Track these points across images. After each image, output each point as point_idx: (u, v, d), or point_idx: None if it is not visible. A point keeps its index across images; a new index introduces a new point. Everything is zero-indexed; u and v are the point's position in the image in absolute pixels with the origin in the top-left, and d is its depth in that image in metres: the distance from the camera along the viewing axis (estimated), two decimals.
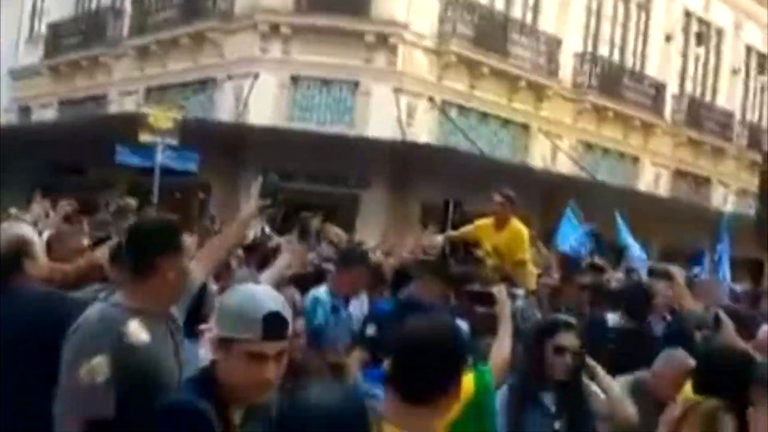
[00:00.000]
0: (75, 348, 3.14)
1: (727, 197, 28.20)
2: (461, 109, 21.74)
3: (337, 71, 20.16)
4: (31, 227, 5.38)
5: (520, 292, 6.76)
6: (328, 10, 19.82)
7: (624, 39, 25.96)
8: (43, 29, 28.22)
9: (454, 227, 10.63)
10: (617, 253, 11.81)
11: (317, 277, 6.98)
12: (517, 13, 22.78)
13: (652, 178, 26.47)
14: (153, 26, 23.32)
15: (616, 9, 25.74)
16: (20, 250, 4.04)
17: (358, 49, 20.08)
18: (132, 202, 5.60)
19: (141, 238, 3.40)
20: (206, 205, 18.59)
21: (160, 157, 15.50)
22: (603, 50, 25.13)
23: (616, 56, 25.70)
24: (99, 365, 3.06)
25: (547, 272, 8.51)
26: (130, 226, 3.69)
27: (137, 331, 3.17)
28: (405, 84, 20.27)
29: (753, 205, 21.69)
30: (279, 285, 4.91)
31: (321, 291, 6.26)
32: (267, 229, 9.24)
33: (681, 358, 4.54)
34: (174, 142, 15.76)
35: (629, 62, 26.09)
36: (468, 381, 3.28)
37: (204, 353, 3.88)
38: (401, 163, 19.20)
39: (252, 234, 8.63)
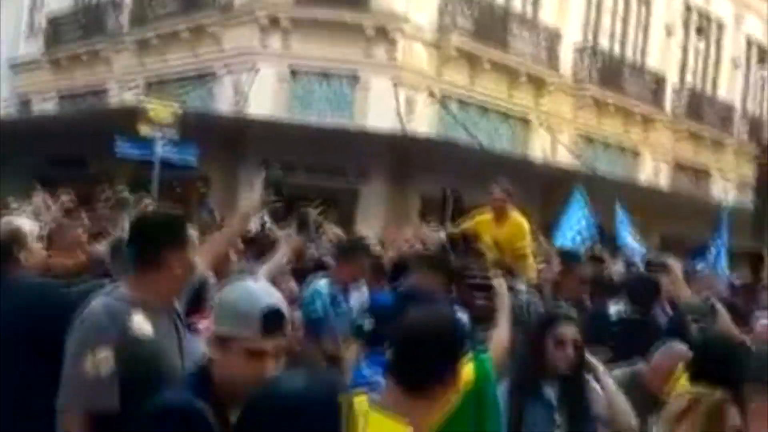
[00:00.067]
0: (80, 340, 3.13)
1: (727, 190, 28.20)
2: (461, 102, 21.72)
3: (336, 64, 20.14)
4: (33, 219, 5.41)
5: (522, 286, 6.75)
6: (327, 3, 19.81)
7: (624, 32, 25.93)
8: (44, 22, 28.17)
9: (453, 219, 10.62)
10: (614, 245, 11.79)
11: (317, 270, 6.98)
12: (517, 6, 22.73)
13: (652, 172, 26.46)
14: (153, 19, 23.30)
15: (617, 2, 25.71)
16: (14, 241, 4.05)
17: (358, 42, 20.05)
18: (128, 194, 5.59)
19: (148, 231, 3.39)
20: (206, 198, 18.57)
21: (160, 150, 15.50)
22: (603, 43, 25.10)
23: (616, 49, 25.66)
24: (104, 358, 3.07)
25: (548, 265, 8.50)
26: (136, 219, 3.68)
27: (142, 324, 3.17)
28: (404, 77, 20.25)
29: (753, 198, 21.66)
30: (276, 278, 4.92)
31: (321, 283, 6.26)
32: (268, 222, 9.23)
33: (677, 350, 4.52)
34: (174, 135, 15.75)
35: (630, 55, 26.06)
36: (468, 370, 3.27)
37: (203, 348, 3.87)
38: (401, 156, 19.18)
39: (253, 227, 8.63)
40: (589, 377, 4.07)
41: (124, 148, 16.01)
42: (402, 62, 20.31)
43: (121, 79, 24.59)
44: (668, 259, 7.70)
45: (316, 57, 19.98)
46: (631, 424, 4.00)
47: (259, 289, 2.75)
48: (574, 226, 10.90)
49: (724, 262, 11.54)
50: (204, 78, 22.00)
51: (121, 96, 23.73)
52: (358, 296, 6.33)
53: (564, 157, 22.90)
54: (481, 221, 8.37)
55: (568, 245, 10.44)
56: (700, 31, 28.23)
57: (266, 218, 9.04)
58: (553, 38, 23.12)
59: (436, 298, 3.60)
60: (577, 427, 3.88)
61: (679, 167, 27.66)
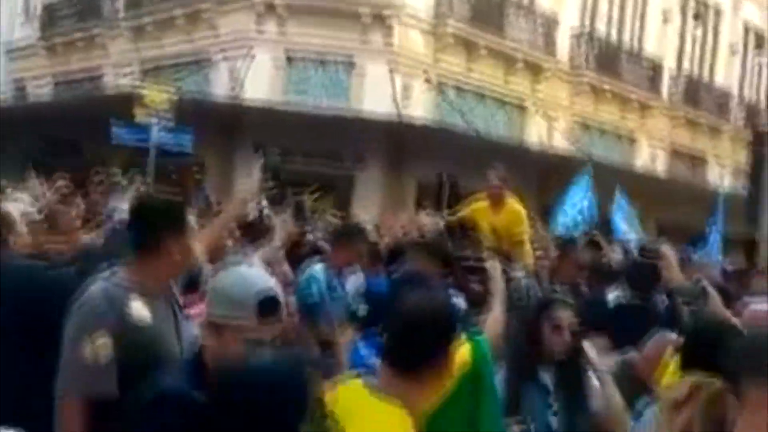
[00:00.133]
0: (78, 326, 3.13)
1: (723, 176, 28.20)
2: (457, 88, 21.69)
3: (332, 50, 20.09)
4: (30, 203, 5.42)
5: (520, 273, 6.74)
6: None
7: (621, 18, 25.85)
8: (39, 7, 28.05)
9: (449, 205, 10.61)
10: (608, 231, 11.79)
11: (313, 255, 6.97)
12: None
13: (648, 158, 26.45)
14: (148, 4, 23.23)
15: None
16: (2, 224, 4.05)
17: (354, 27, 20.00)
18: (120, 178, 5.58)
19: (147, 217, 3.38)
20: (202, 184, 18.55)
21: (156, 136, 15.46)
22: (600, 29, 25.03)
23: (613, 35, 25.60)
24: (102, 344, 3.06)
25: (545, 251, 8.49)
26: (136, 205, 3.66)
27: (140, 310, 3.16)
28: (401, 63, 20.20)
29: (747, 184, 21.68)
30: (270, 262, 4.91)
31: (316, 268, 6.26)
32: (266, 208, 9.22)
33: (667, 337, 4.51)
34: (169, 120, 15.71)
35: (627, 41, 26.00)
36: (465, 351, 3.29)
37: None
38: (397, 142, 19.16)
39: (251, 212, 8.61)
40: (588, 369, 4.04)
41: (119, 133, 15.97)
42: (398, 48, 20.26)
43: (117, 64, 24.53)
44: (662, 245, 7.70)
45: (312, 42, 19.93)
46: (624, 423, 3.97)
47: (254, 274, 2.74)
48: (576, 206, 10.89)
49: (718, 248, 11.56)
50: (200, 63, 21.94)
51: (116, 81, 23.68)
52: (354, 281, 6.33)
53: (560, 144, 22.89)
54: (478, 208, 8.35)
55: (568, 225, 10.44)
56: (697, 17, 28.17)
57: (263, 204, 9.02)
58: (549, 24, 23.07)
59: (431, 283, 3.60)
60: (572, 413, 3.87)
61: (676, 154, 27.66)
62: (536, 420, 3.76)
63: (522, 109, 23.25)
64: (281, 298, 2.68)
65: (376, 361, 2.71)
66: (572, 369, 3.97)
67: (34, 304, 3.62)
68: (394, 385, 2.52)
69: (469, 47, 21.38)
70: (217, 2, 21.16)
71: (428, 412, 2.87)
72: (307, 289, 6.06)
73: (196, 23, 21.86)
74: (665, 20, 26.66)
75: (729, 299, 5.69)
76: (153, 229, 3.28)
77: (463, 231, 7.17)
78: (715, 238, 11.56)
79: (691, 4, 28.01)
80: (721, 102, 28.64)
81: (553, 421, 3.81)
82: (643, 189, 16.43)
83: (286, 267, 6.37)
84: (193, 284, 4.30)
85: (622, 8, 25.86)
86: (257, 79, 19.56)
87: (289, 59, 20.39)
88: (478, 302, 4.53)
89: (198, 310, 3.38)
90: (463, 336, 3.34)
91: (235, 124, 19.12)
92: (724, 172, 28.65)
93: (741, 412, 2.21)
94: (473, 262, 4.60)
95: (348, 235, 6.49)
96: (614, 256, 9.50)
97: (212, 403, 2.23)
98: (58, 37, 26.74)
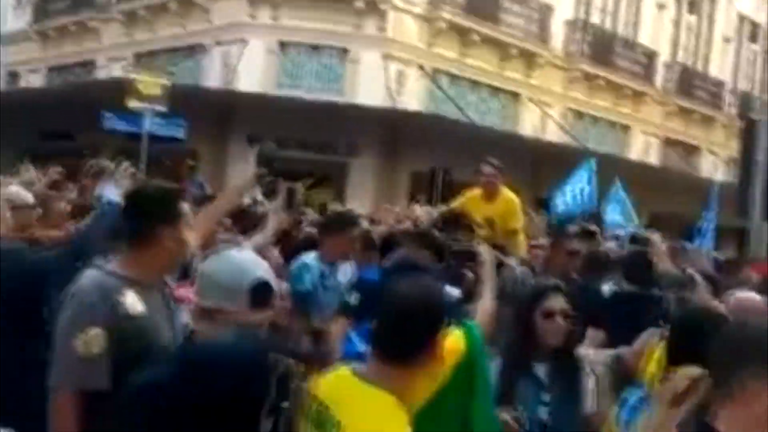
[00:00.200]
0: (70, 318, 3.09)
1: (717, 166, 28.24)
2: (451, 76, 21.64)
3: (326, 37, 20.03)
4: (25, 190, 5.42)
5: (513, 262, 6.75)
6: None
7: (616, 7, 25.83)
8: None
9: (443, 196, 10.61)
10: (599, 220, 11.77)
11: (305, 244, 6.95)
12: None
13: (642, 147, 26.46)
14: None
15: None
16: None
17: (348, 15, 19.93)
18: (110, 165, 5.53)
19: (140, 206, 3.32)
20: (195, 172, 18.51)
21: (148, 124, 15.42)
22: (595, 18, 24.99)
23: (607, 24, 25.58)
24: (95, 337, 3.02)
25: (537, 241, 8.49)
26: (130, 193, 3.62)
27: (133, 301, 3.12)
28: (395, 51, 20.16)
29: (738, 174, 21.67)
30: (262, 251, 4.88)
31: (310, 257, 6.24)
32: (260, 197, 9.19)
33: (660, 334, 4.48)
34: (162, 108, 15.67)
35: (621, 30, 25.97)
36: (459, 340, 3.29)
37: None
38: (391, 131, 19.13)
39: (245, 201, 8.58)
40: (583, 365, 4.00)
41: (111, 121, 15.92)
42: (392, 36, 20.21)
43: (110, 51, 24.42)
44: (651, 233, 7.71)
45: (305, 30, 19.86)
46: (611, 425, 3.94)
47: (246, 260, 2.71)
48: (576, 188, 10.86)
49: (711, 238, 11.56)
50: (192, 51, 21.87)
51: (109, 69, 23.60)
52: (347, 271, 6.32)
53: (554, 133, 22.88)
54: (472, 199, 8.35)
55: (566, 207, 10.42)
56: (692, 6, 28.14)
57: (258, 193, 9.00)
58: (544, 13, 23.02)
59: (423, 271, 3.57)
60: (565, 408, 3.84)
61: (670, 143, 27.67)
62: (528, 413, 3.73)
63: (516, 97, 23.23)
64: (274, 284, 2.66)
65: (368, 350, 2.70)
66: (568, 363, 3.94)
67: (12, 285, 3.60)
68: (383, 373, 2.53)
69: (463, 35, 21.33)
70: None
71: (424, 401, 2.90)
72: (299, 279, 6.04)
73: (189, 10, 21.77)
74: (660, 9, 26.62)
75: (717, 288, 5.68)
76: (146, 218, 3.23)
77: (457, 221, 7.17)
78: (708, 228, 11.55)
79: None
80: (714, 91, 28.65)
81: (545, 416, 3.77)
82: (636, 178, 16.45)
83: (276, 254, 6.35)
84: (186, 275, 4.29)
85: None
86: (250, 67, 19.50)
87: (283, 47, 20.32)
88: (472, 291, 4.51)
89: (185, 291, 3.35)
90: (456, 323, 3.35)
91: (228, 112, 19.07)
92: (717, 161, 28.69)
93: (726, 403, 2.20)
94: (463, 246, 4.56)
95: (341, 224, 6.46)
96: (610, 245, 9.50)
97: (175, 380, 2.23)
98: (51, 24, 26.65)
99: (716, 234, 11.83)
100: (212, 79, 20.43)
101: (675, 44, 27.75)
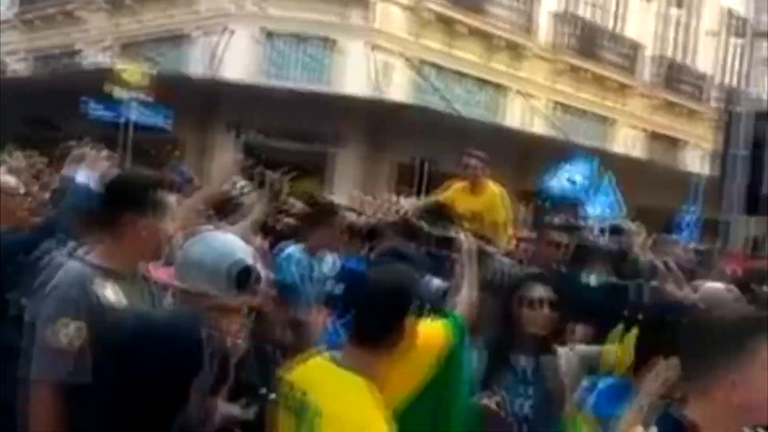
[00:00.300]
0: (50, 311, 3.05)
1: (702, 159, 28.31)
2: (437, 68, 21.61)
3: (312, 27, 19.95)
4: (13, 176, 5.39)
5: (498, 253, 6.73)
6: None
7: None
8: None
9: (427, 187, 10.58)
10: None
11: (288, 234, 6.92)
12: None
13: (627, 140, 26.50)
14: None
15: None
16: None
17: (334, 5, 19.88)
18: (89, 150, 5.46)
19: (117, 194, 3.27)
20: (179, 161, 18.43)
21: (132, 112, 15.36)
22: (581, 10, 24.99)
23: (594, 17, 25.58)
24: (75, 330, 3.00)
25: (523, 233, 8.50)
26: (107, 182, 3.56)
27: (113, 293, 3.08)
28: (381, 41, 20.10)
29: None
30: (246, 236, 4.85)
31: (294, 248, 6.22)
32: (245, 186, 9.14)
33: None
34: (146, 97, 15.61)
35: (607, 23, 25.97)
36: (442, 328, 3.31)
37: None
38: (376, 122, 19.10)
39: (231, 190, 8.53)
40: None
41: (94, 109, 15.86)
42: (378, 26, 20.16)
43: (95, 39, 24.28)
44: (631, 224, 7.73)
45: (291, 19, 19.78)
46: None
47: (229, 243, 2.67)
48: (576, 177, 10.82)
49: (693, 230, 11.62)
50: (178, 39, 21.75)
51: (94, 57, 23.46)
52: (331, 262, 6.30)
53: (540, 125, 22.89)
54: (457, 191, 8.33)
55: (602, 213, 10.41)
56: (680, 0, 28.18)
57: (242, 182, 8.94)
58: (531, 4, 23.00)
59: (409, 261, 3.55)
60: (547, 402, 3.81)
61: (655, 136, 27.73)
62: (509, 407, 3.71)
63: (502, 89, 23.21)
64: (257, 267, 2.64)
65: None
66: (550, 349, 3.92)
67: None
68: (354, 357, 2.64)
69: (449, 26, 21.30)
70: None
71: (410, 393, 3.01)
72: (284, 270, 6.02)
73: None
74: (647, 2, 26.65)
75: (692, 279, 5.70)
76: (122, 206, 3.18)
77: (441, 213, 7.16)
78: (691, 220, 11.62)
79: None
80: (699, 85, 28.71)
81: (527, 410, 3.75)
82: (621, 171, 16.46)
83: (261, 242, 6.33)
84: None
85: None
86: (235, 56, 19.42)
87: (268, 36, 20.23)
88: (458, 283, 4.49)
89: (162, 273, 3.29)
90: (440, 314, 3.39)
91: (213, 101, 18.99)
92: (702, 155, 28.77)
93: (697, 394, 2.20)
94: (443, 232, 4.52)
95: (326, 215, 6.44)
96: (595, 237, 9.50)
97: (104, 358, 2.30)
98: (36, 11, 26.46)
99: (701, 226, 11.90)
100: (197, 67, 20.32)
101: (661, 38, 27.78)
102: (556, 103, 24.46)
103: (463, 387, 3.44)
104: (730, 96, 28.68)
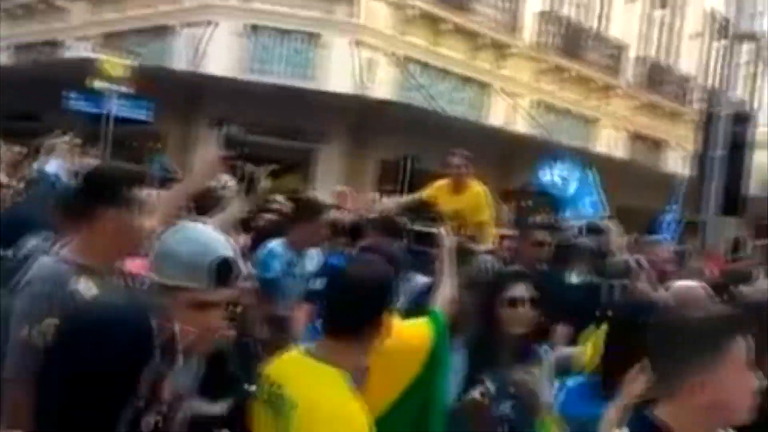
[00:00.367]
0: (25, 309, 3.00)
1: (684, 161, 28.44)
2: (422, 65, 21.61)
3: (296, 22, 19.90)
4: None
5: (481, 251, 6.73)
6: None
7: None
8: None
9: (410, 184, 10.58)
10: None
11: (270, 231, 6.90)
12: None
13: (610, 140, 26.59)
14: None
15: None
16: None
17: (319, 0, 19.82)
18: (61, 142, 5.43)
19: (89, 186, 3.21)
20: (161, 155, 18.36)
21: (113, 105, 15.29)
22: (566, 10, 25.04)
23: (578, 16, 25.63)
24: (51, 326, 2.95)
25: (507, 233, 8.51)
26: (82, 175, 3.51)
27: (89, 289, 3.02)
28: (365, 38, 20.07)
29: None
30: (224, 228, 4.82)
31: (277, 244, 6.20)
32: (230, 181, 9.09)
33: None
34: (127, 89, 15.53)
35: (591, 23, 26.04)
36: (425, 329, 3.32)
37: None
38: (360, 118, 19.07)
39: (211, 184, 8.49)
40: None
41: (76, 102, 15.76)
42: (363, 22, 20.12)
43: (78, 31, 24.12)
44: (605, 223, 7.75)
45: (275, 14, 19.72)
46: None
47: (208, 236, 2.62)
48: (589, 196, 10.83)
49: (673, 230, 11.67)
50: (161, 32, 21.64)
51: (77, 48, 23.29)
52: (314, 258, 6.29)
53: (523, 124, 22.93)
54: (440, 190, 8.33)
55: (585, 212, 10.41)
56: (663, 0, 28.27)
57: (224, 176, 8.91)
58: (515, 3, 23.03)
59: (391, 257, 3.53)
60: (526, 403, 3.78)
61: (637, 137, 27.84)
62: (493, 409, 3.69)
63: (486, 87, 23.24)
64: (237, 261, 2.61)
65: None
66: (533, 348, 3.91)
67: None
68: (328, 349, 2.66)
69: (434, 24, 21.29)
70: None
71: (395, 394, 3.08)
72: (266, 266, 6.00)
73: None
74: (631, 2, 26.73)
75: (665, 278, 5.73)
76: (95, 200, 3.12)
77: (424, 211, 7.15)
78: (671, 220, 11.66)
79: None
80: (682, 86, 28.83)
81: (508, 410, 3.72)
82: (603, 171, 16.51)
83: (242, 238, 6.30)
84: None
85: None
86: (219, 50, 19.36)
87: (252, 29, 20.16)
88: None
89: (137, 266, 3.23)
90: (422, 311, 3.44)
91: (196, 95, 18.91)
92: (684, 156, 28.90)
93: (669, 396, 2.20)
94: (423, 228, 4.48)
95: (309, 212, 6.42)
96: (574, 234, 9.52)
97: (57, 345, 2.30)
98: (18, 2, 26.24)
99: (680, 227, 11.95)
100: (180, 61, 20.24)
101: (645, 38, 27.88)
102: (540, 102, 24.51)
103: (445, 386, 3.44)
104: (711, 98, 28.90)
